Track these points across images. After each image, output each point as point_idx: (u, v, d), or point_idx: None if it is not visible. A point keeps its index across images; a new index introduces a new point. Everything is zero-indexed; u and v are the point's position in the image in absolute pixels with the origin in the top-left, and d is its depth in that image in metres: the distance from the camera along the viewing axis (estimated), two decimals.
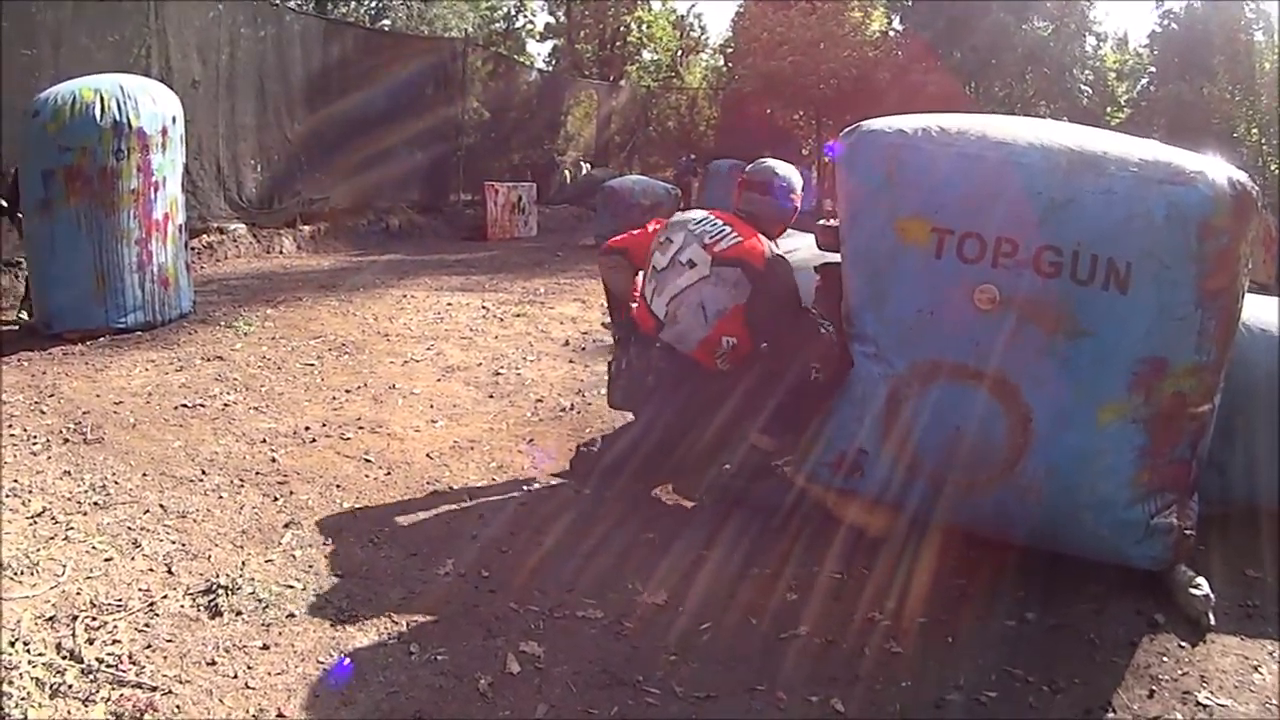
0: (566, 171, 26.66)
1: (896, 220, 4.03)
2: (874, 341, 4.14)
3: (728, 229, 4.79)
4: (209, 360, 7.31)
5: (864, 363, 4.17)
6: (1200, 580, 3.87)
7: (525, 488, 5.00)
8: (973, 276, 3.86)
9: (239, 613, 3.53)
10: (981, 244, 3.85)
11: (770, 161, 5.18)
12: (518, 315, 9.89)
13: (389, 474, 5.05)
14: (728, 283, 4.63)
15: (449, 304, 10.47)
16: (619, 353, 5.16)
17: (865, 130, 4.26)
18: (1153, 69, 38.18)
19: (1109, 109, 36.91)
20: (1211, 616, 3.74)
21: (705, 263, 4.70)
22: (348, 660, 3.34)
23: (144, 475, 4.85)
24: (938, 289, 3.95)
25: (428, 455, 5.35)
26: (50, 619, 3.38)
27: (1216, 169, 3.78)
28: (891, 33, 34.00)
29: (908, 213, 4.01)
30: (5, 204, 8.49)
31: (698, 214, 5.01)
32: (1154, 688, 3.36)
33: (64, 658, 3.14)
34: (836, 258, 4.51)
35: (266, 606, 3.59)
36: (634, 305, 5.15)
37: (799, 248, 5.15)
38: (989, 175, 3.90)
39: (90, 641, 3.25)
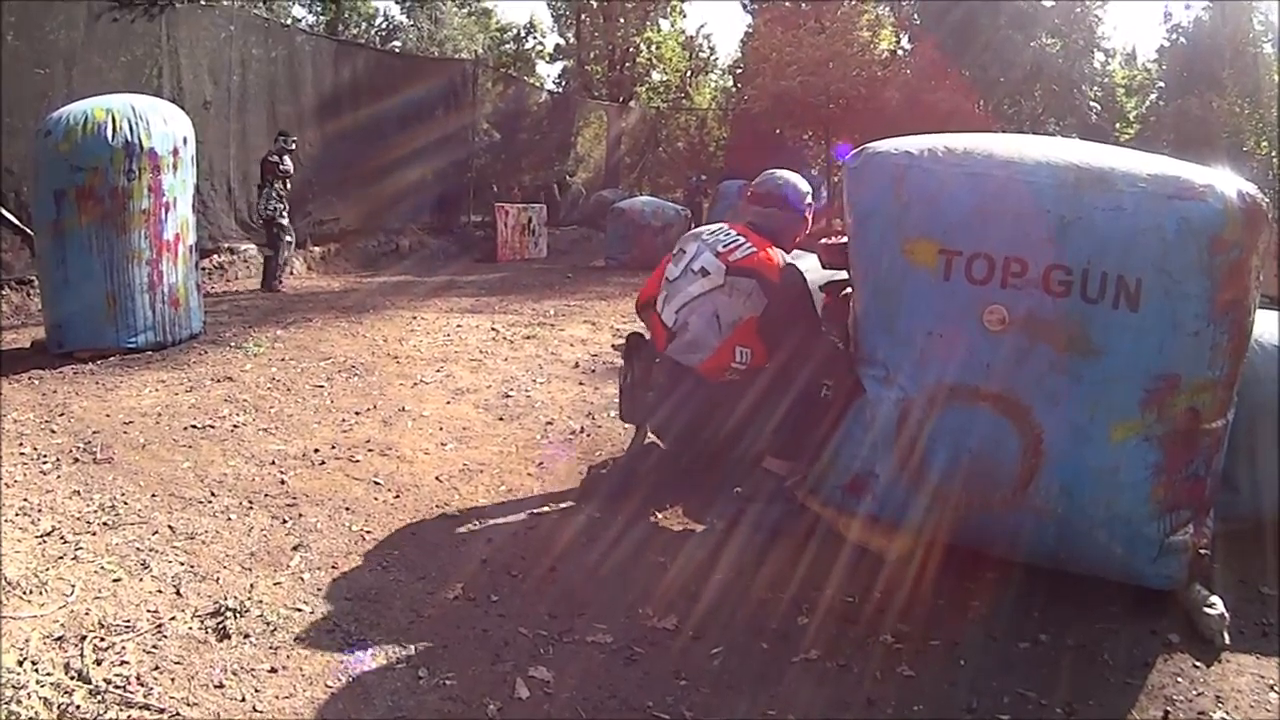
0: (557, 185, 26.78)
1: (904, 242, 4.03)
2: (883, 364, 4.13)
3: (742, 239, 4.79)
4: (219, 381, 7.33)
5: (873, 385, 4.15)
6: (1215, 599, 3.85)
7: (535, 511, 4.96)
8: (982, 297, 3.85)
9: (247, 635, 3.52)
10: (990, 264, 3.84)
11: (778, 171, 5.21)
12: (528, 337, 9.90)
13: (398, 497, 5.03)
14: (742, 293, 4.61)
15: (459, 325, 10.49)
16: (624, 367, 5.14)
17: (871, 152, 4.26)
18: (1161, 84, 38.37)
19: (1118, 124, 37.05)
20: (1226, 636, 3.74)
21: (719, 271, 4.68)
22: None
23: (153, 496, 4.85)
24: (947, 311, 3.93)
25: (437, 478, 5.33)
26: (59, 639, 3.38)
27: (1226, 182, 3.78)
28: (900, 51, 34.16)
29: (915, 234, 4.00)
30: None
31: (711, 226, 4.99)
32: (1169, 709, 3.34)
33: (72, 678, 3.14)
34: (842, 275, 4.51)
35: (274, 629, 3.58)
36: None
37: (807, 269, 5.07)
38: (997, 195, 3.90)
39: (98, 662, 3.25)
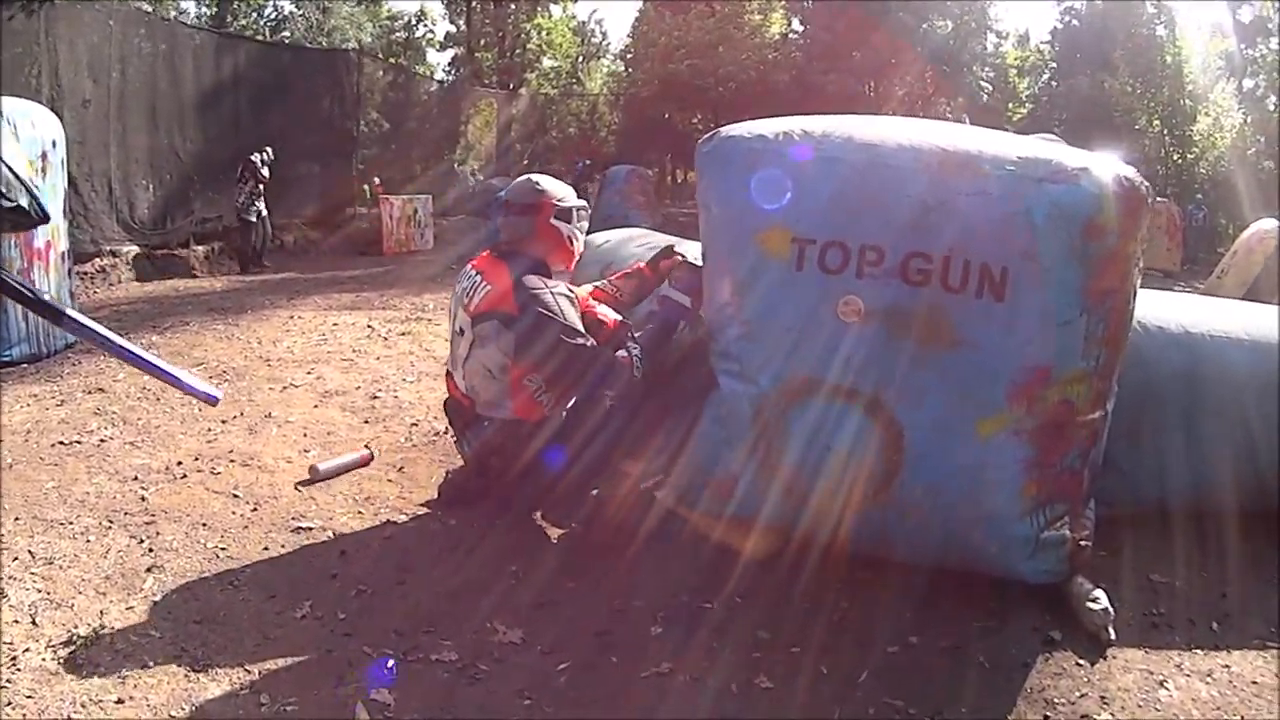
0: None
1: (757, 230, 3.95)
2: (737, 359, 4.07)
3: (479, 278, 4.66)
4: (90, 393, 7.29)
5: (728, 381, 4.10)
6: (1098, 593, 3.82)
7: (391, 520, 4.94)
8: (836, 288, 3.78)
9: (97, 665, 3.49)
10: (845, 253, 3.76)
11: (531, 176, 4.97)
12: (403, 334, 9.97)
13: (255, 510, 4.99)
14: (491, 338, 4.52)
15: (335, 324, 10.52)
16: (456, 438, 5.09)
17: (723, 136, 4.19)
18: (1054, 64, 39.28)
19: (1010, 104, 37.82)
20: (1112, 631, 3.70)
21: (468, 326, 4.62)
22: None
23: (16, 519, 4.78)
24: (800, 303, 3.86)
25: (296, 488, 5.30)
26: None
27: (1102, 165, 3.71)
28: (791, 34, 34.43)
29: (768, 223, 3.92)
30: None
31: (462, 273, 4.87)
32: (1048, 712, 3.30)
33: None
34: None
35: (124, 657, 3.55)
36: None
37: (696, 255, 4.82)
38: (853, 180, 3.81)
39: None
